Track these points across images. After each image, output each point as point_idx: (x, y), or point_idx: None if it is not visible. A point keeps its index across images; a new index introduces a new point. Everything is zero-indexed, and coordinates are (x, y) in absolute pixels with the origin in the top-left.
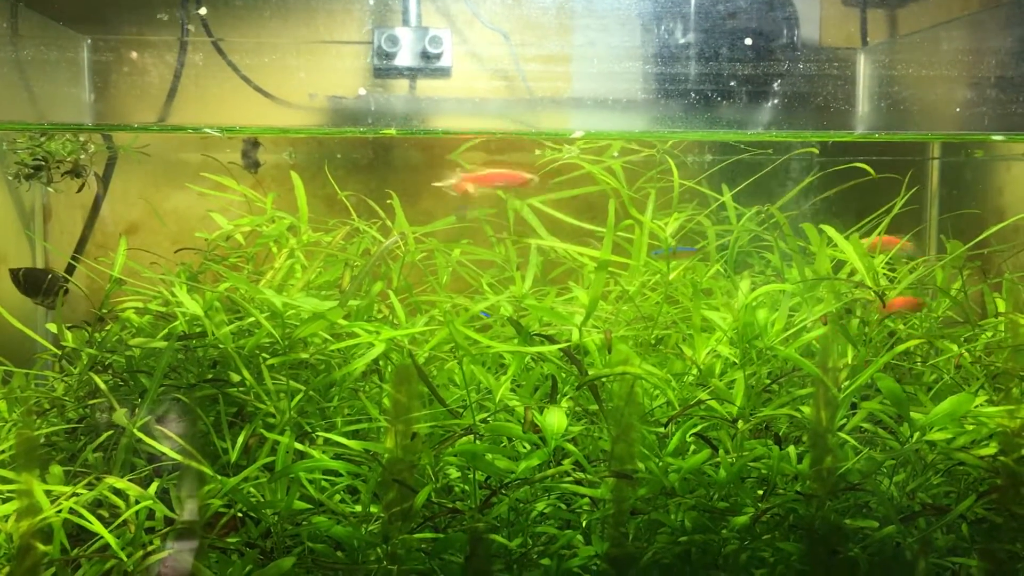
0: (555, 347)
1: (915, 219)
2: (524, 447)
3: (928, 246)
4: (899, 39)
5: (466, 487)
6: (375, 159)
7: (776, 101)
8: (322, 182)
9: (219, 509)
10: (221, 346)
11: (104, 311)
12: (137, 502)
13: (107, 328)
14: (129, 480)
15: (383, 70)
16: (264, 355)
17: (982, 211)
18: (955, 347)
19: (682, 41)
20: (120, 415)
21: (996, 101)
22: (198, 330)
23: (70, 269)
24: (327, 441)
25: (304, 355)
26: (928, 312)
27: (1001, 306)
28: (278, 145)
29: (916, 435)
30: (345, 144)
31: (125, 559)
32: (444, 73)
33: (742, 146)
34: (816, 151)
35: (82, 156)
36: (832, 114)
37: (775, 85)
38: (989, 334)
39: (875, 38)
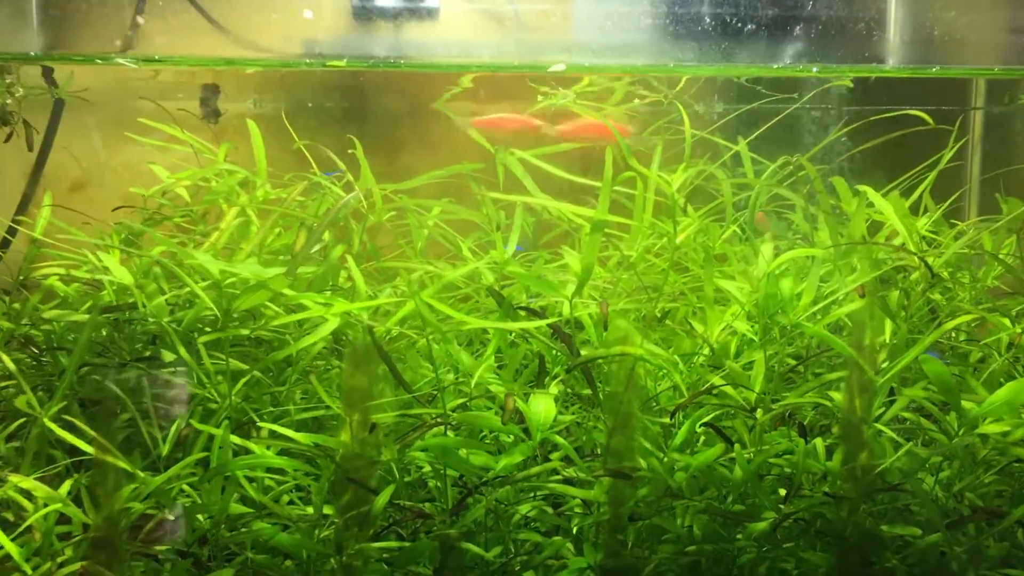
0: (541, 323)
1: (955, 175)
2: (509, 437)
3: (968, 205)
4: None
5: (438, 483)
6: (351, 109)
7: (800, 31)
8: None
9: (148, 511)
10: (151, 320)
11: (22, 278)
12: (46, 504)
13: (25, 298)
14: (44, 474)
15: (363, 10)
16: (207, 329)
17: None
18: (1007, 322)
19: None
20: (23, 400)
21: None
22: (131, 300)
23: (11, 231)
24: (276, 432)
25: (244, 331)
26: (974, 281)
27: None
28: (242, 92)
29: (964, 428)
30: (317, 92)
31: (30, 572)
32: (431, 15)
33: (756, 87)
34: (850, 84)
35: (8, 100)
36: (862, 47)
37: (800, 13)
38: None
39: None
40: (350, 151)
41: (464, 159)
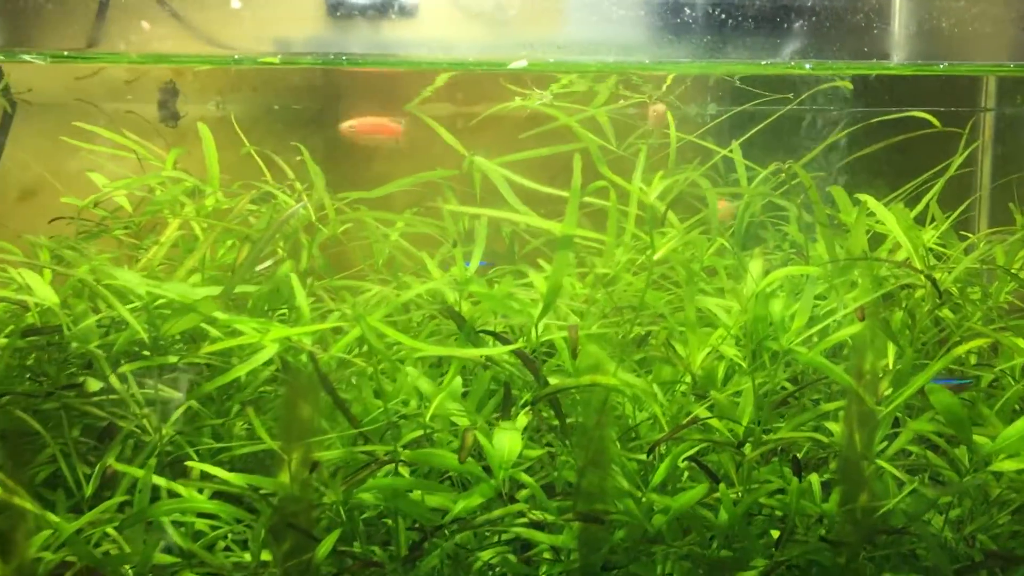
0: (503, 349)
1: (964, 182)
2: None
3: (979, 214)
4: None
5: (389, 521)
6: (322, 112)
7: (797, 25)
8: (257, 139)
9: (67, 558)
10: (75, 345)
11: None
12: None
13: None
14: None
15: (338, 6)
16: (146, 353)
17: None
18: (1022, 343)
19: None
20: None
21: None
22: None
23: None
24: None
25: (173, 358)
26: (986, 298)
27: None
28: (204, 94)
29: (976, 464)
30: (285, 93)
31: None
32: (409, 12)
33: (742, 85)
34: (850, 85)
35: None
36: (862, 41)
37: (792, 4)
38: None
39: None
40: (298, 158)
41: (441, 165)
